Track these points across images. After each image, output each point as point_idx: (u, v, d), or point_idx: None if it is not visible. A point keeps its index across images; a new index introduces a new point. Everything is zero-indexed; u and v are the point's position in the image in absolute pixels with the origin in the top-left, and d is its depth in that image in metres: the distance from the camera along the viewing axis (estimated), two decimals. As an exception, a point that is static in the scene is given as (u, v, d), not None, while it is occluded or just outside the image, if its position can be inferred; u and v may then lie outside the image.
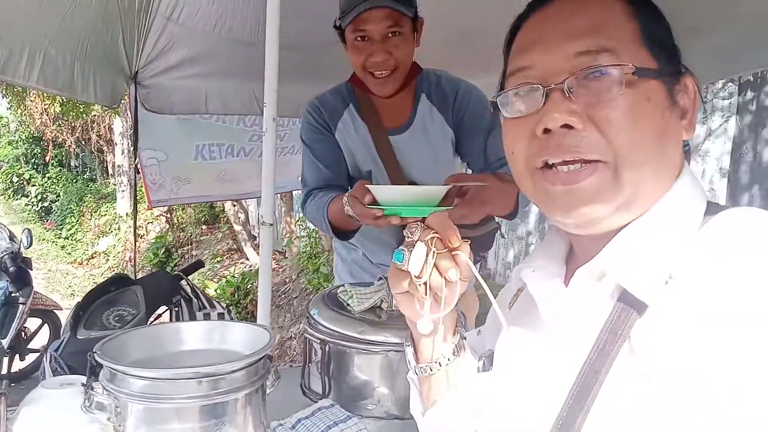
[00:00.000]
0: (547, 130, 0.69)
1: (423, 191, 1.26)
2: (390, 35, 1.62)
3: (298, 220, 7.80)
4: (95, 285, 2.07)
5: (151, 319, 2.09)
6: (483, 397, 0.84)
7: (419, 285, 0.77)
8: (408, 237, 0.78)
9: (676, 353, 0.60)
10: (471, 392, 0.87)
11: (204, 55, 2.82)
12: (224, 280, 7.69)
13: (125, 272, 10.27)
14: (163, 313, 2.21)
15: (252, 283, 7.21)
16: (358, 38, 1.63)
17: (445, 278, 0.77)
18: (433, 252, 0.75)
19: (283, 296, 6.87)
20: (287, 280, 7.26)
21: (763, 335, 0.55)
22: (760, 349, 0.55)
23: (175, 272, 2.27)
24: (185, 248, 10.52)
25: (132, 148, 2.99)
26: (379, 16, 1.59)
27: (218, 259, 9.56)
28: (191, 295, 2.28)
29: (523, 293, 0.86)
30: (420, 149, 1.80)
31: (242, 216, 9.73)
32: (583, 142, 0.67)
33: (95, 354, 1.00)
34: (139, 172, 3.00)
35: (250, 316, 6.55)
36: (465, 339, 0.91)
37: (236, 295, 6.95)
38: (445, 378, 0.88)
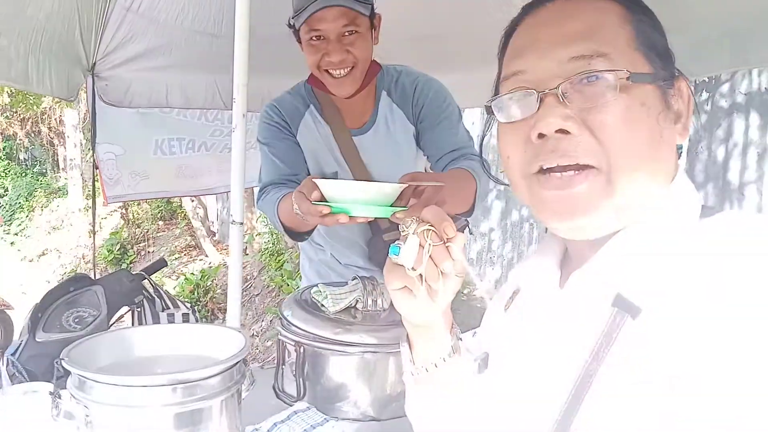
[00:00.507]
0: (541, 135, 0.69)
1: (373, 188, 1.21)
2: (346, 34, 1.57)
3: (259, 217, 7.69)
4: (49, 284, 1.99)
5: (113, 320, 2.02)
6: (478, 399, 0.84)
7: (414, 278, 0.76)
8: (403, 231, 0.77)
9: (671, 356, 0.60)
10: (467, 394, 0.87)
11: (165, 46, 2.73)
12: (183, 277, 7.53)
13: (78, 269, 9.98)
14: (125, 314, 2.13)
15: (212, 281, 7.09)
16: (314, 38, 1.58)
17: (440, 271, 0.76)
18: (429, 244, 0.75)
19: (244, 293, 6.77)
20: (248, 277, 7.16)
21: (759, 335, 0.56)
22: (755, 349, 0.55)
23: (137, 271, 2.19)
24: (141, 245, 10.28)
25: (88, 142, 2.88)
26: (333, 15, 1.54)
27: (176, 256, 9.36)
28: (154, 295, 2.20)
29: (519, 296, 0.86)
30: (384, 148, 1.78)
31: (201, 212, 9.56)
32: (578, 147, 0.67)
33: (62, 360, 0.95)
34: (97, 168, 2.90)
35: (210, 315, 6.44)
36: (461, 340, 0.90)
37: (196, 293, 6.81)
38: (441, 379, 0.88)
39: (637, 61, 0.69)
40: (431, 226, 0.76)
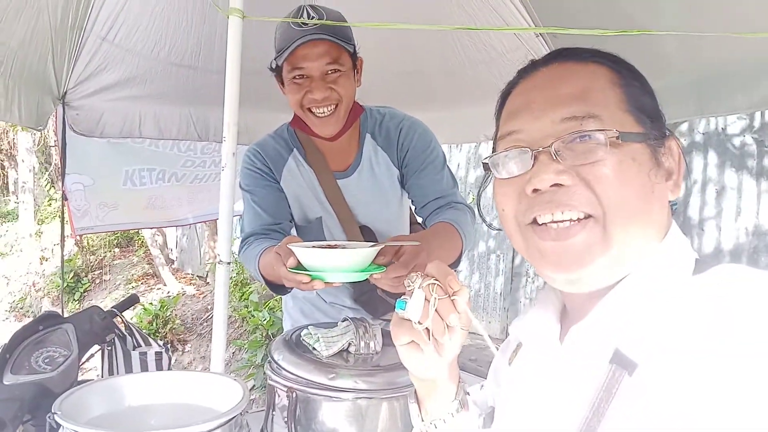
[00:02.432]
0: (536, 190, 0.72)
1: (350, 255, 1.22)
2: (329, 72, 1.56)
3: (222, 245, 7.55)
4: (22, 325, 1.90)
5: (84, 359, 1.93)
6: None
7: (421, 332, 0.78)
8: (408, 286, 0.79)
9: (669, 411, 0.61)
10: None
11: (140, 77, 2.69)
12: (141, 308, 7.31)
13: (29, 298, 9.59)
14: (95, 353, 2.05)
15: (171, 311, 6.90)
16: (297, 76, 1.57)
17: (446, 324, 0.77)
18: (434, 298, 0.76)
19: (205, 324, 6.62)
20: (209, 307, 7.01)
21: (754, 389, 0.56)
22: (752, 404, 0.56)
23: (109, 308, 2.11)
24: (96, 273, 9.96)
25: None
26: (317, 53, 1.53)
27: (133, 284, 9.11)
28: (125, 333, 2.12)
29: (522, 349, 0.87)
30: (369, 191, 1.76)
31: (160, 239, 9.36)
32: (573, 197, 0.69)
33: (55, 415, 0.91)
34: (66, 198, 2.81)
35: (170, 347, 6.25)
36: (468, 394, 0.91)
37: (155, 324, 6.61)
38: None
39: (626, 122, 0.72)
40: (436, 280, 0.77)
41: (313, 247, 1.27)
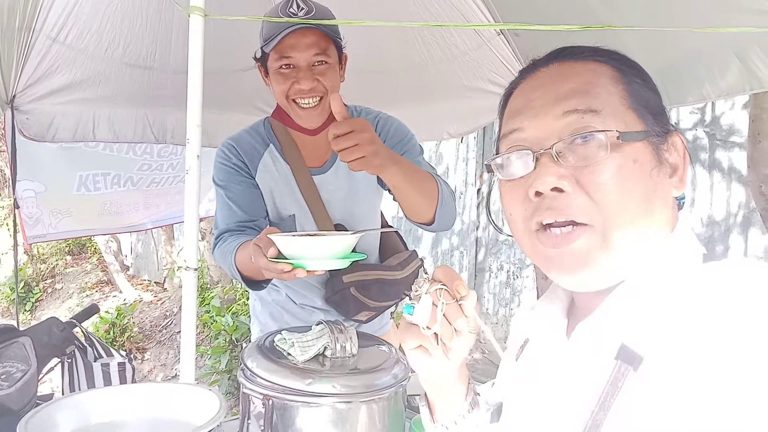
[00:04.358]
0: (538, 193, 0.72)
1: (331, 242, 1.25)
2: (316, 63, 1.56)
3: (180, 250, 7.40)
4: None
5: (42, 374, 1.85)
6: None
7: (429, 336, 0.78)
8: (416, 291, 0.79)
9: (675, 404, 0.61)
10: None
11: (93, 78, 2.59)
12: (96, 316, 7.10)
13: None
14: (54, 366, 1.97)
15: (128, 319, 6.72)
16: (283, 66, 1.56)
17: (454, 329, 0.78)
18: (442, 303, 0.77)
19: (164, 331, 6.46)
20: (168, 313, 6.85)
21: (761, 383, 0.57)
22: (758, 403, 0.56)
23: (68, 319, 2.03)
24: (47, 282, 9.62)
25: (4, 177, 2.67)
26: (306, 43, 1.53)
27: (87, 293, 8.84)
28: (85, 344, 2.05)
29: (528, 345, 0.88)
30: (344, 188, 1.75)
31: (114, 245, 9.10)
32: (572, 205, 0.70)
33: (22, 436, 0.86)
34: (18, 207, 2.69)
35: (129, 355, 6.09)
36: (479, 395, 0.92)
37: (112, 333, 6.42)
38: None
39: (629, 119, 0.72)
40: (443, 285, 0.78)
41: (293, 236, 1.29)
